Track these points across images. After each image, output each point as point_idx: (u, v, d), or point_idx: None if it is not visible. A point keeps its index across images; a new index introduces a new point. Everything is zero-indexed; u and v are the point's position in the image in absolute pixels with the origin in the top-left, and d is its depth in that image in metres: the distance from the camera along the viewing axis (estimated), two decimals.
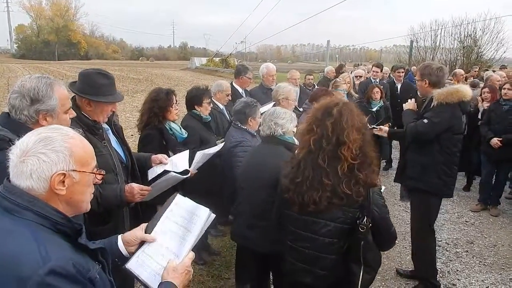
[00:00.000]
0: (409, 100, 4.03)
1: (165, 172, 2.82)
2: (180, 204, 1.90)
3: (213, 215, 1.81)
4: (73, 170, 1.28)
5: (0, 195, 1.25)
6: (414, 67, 15.95)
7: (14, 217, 1.21)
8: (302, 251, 2.31)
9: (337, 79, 5.92)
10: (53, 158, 1.24)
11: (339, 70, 9.64)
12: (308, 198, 2.18)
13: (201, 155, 3.32)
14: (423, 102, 3.84)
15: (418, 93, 3.98)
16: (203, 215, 1.80)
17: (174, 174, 2.76)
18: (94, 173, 1.38)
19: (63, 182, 1.26)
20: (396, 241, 4.92)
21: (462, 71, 8.88)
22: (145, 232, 1.80)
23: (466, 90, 3.59)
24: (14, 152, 1.25)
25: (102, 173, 1.43)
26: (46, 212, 1.24)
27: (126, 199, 2.46)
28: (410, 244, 4.81)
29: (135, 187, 2.48)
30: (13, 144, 1.29)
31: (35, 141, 1.25)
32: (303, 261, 2.33)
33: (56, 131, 1.30)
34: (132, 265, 1.73)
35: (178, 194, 1.98)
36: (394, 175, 7.43)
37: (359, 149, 2.15)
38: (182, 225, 1.81)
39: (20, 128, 1.80)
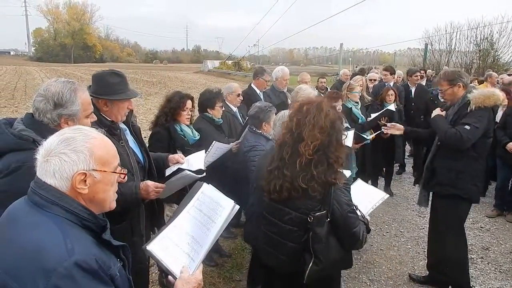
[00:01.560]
0: (437, 109, 3.85)
1: (180, 170, 2.85)
2: (206, 193, 1.94)
3: (237, 207, 1.83)
4: (94, 170, 1.32)
5: (31, 190, 1.31)
6: (430, 70, 15.76)
7: (43, 211, 1.27)
8: (269, 235, 2.47)
9: (351, 81, 5.88)
10: (73, 158, 1.29)
11: (362, 75, 9.52)
12: (273, 187, 2.33)
13: (216, 147, 3.48)
14: (448, 107, 3.76)
15: (446, 100, 3.81)
16: (228, 207, 1.83)
17: (188, 172, 2.79)
18: (116, 172, 1.41)
19: (85, 181, 1.31)
20: (409, 246, 4.92)
21: (496, 74, 8.39)
22: (171, 219, 1.85)
23: (499, 94, 3.56)
24: (40, 152, 1.31)
25: (124, 172, 1.47)
26: (73, 208, 1.29)
27: (141, 196, 2.52)
28: (424, 250, 4.76)
29: (150, 185, 2.54)
30: (38, 144, 1.33)
31: (58, 142, 1.30)
32: (269, 245, 2.49)
33: (79, 132, 1.35)
34: (154, 248, 1.75)
35: (204, 183, 2.02)
36: (407, 179, 7.49)
37: (319, 147, 2.22)
38: (207, 214, 1.83)
39: (43, 129, 1.87)
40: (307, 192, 2.24)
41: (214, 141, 3.52)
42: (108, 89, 2.52)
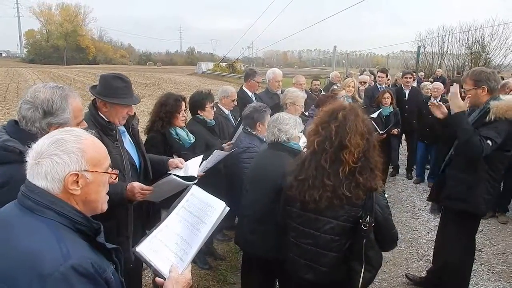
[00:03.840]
0: (453, 88, 3.26)
1: (167, 174, 2.83)
2: (196, 194, 1.93)
3: (228, 208, 1.82)
4: (86, 171, 1.31)
5: (22, 194, 1.29)
6: (422, 73, 15.90)
7: (36, 216, 1.25)
8: (304, 247, 2.37)
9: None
10: (65, 159, 1.27)
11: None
12: (309, 197, 2.24)
13: (216, 155, 3.44)
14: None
15: (468, 103, 3.32)
16: (218, 208, 1.82)
17: (174, 177, 2.74)
18: (107, 172, 1.40)
19: (77, 182, 1.30)
20: (403, 248, 4.94)
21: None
22: (162, 220, 1.84)
23: None
24: (30, 155, 1.30)
25: (115, 172, 1.45)
26: (66, 212, 1.28)
27: (127, 197, 2.48)
28: (418, 252, 4.81)
29: (136, 186, 2.50)
30: (25, 156, 1.30)
31: (49, 143, 1.29)
32: (305, 257, 2.38)
33: (69, 133, 1.34)
34: (143, 249, 1.73)
35: (194, 185, 2.02)
36: (401, 181, 7.52)
37: (362, 153, 2.19)
38: (196, 215, 1.83)
39: (30, 139, 1.68)
40: (351, 200, 2.18)
41: (216, 150, 3.48)
42: (109, 91, 2.53)
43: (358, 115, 2.26)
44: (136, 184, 2.53)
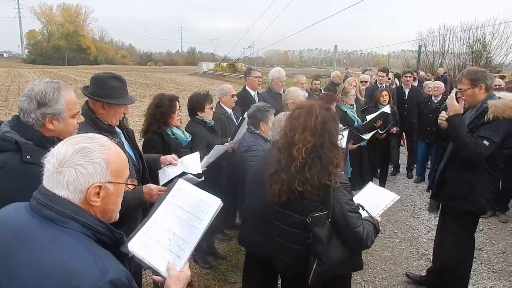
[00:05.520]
0: (456, 106, 3.23)
1: (182, 173, 2.84)
2: (184, 189, 1.89)
3: (222, 204, 1.81)
4: (109, 182, 1.28)
5: (40, 203, 1.23)
6: (422, 72, 15.88)
7: (58, 226, 1.20)
8: (276, 239, 2.49)
9: (345, 85, 5.88)
10: (90, 170, 1.24)
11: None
12: (272, 190, 2.37)
13: (217, 149, 3.48)
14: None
15: (464, 103, 3.31)
16: (214, 205, 1.79)
17: (192, 176, 2.77)
18: (127, 184, 1.38)
19: (98, 193, 1.27)
20: (403, 247, 4.94)
21: (501, 81, 7.26)
22: (147, 215, 1.80)
23: None
24: (50, 161, 1.25)
25: (134, 183, 1.43)
26: (90, 222, 1.24)
27: (145, 200, 2.50)
28: (418, 251, 4.82)
29: (154, 188, 2.53)
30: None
31: (73, 152, 1.24)
32: (276, 249, 2.51)
33: (93, 142, 1.29)
34: (133, 247, 1.67)
35: (180, 179, 1.97)
36: (401, 180, 7.53)
37: (311, 149, 2.25)
38: (189, 211, 1.78)
39: (27, 130, 1.89)
40: (303, 195, 2.26)
41: (216, 145, 3.52)
42: (107, 92, 2.50)
43: (311, 113, 2.30)
44: (153, 186, 2.56)
